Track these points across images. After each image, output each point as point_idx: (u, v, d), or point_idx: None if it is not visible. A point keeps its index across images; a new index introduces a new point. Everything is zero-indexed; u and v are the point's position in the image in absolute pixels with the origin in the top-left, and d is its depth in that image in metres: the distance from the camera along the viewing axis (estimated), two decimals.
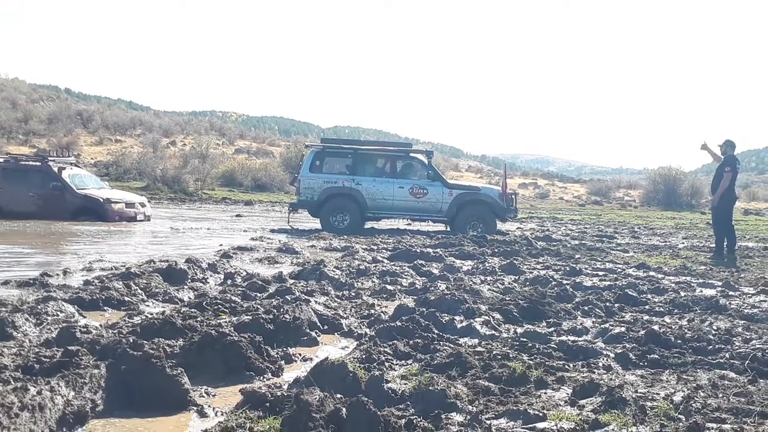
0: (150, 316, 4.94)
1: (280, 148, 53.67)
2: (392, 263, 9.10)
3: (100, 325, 4.66)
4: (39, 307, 4.94)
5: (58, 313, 4.90)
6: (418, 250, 10.31)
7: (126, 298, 5.77)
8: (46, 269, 7.08)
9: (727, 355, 4.26)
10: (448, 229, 16.26)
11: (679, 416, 3.04)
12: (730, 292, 7.15)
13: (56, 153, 17.84)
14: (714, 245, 11.97)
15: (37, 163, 16.79)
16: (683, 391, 3.45)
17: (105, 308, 5.53)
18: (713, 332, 4.94)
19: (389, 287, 7.00)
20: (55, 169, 16.33)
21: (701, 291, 7.23)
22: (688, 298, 6.49)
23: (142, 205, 17.42)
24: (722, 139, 11.49)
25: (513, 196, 16.89)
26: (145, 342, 3.78)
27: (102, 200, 16.27)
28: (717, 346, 4.51)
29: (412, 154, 16.91)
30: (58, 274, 6.86)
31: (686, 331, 4.95)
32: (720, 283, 7.79)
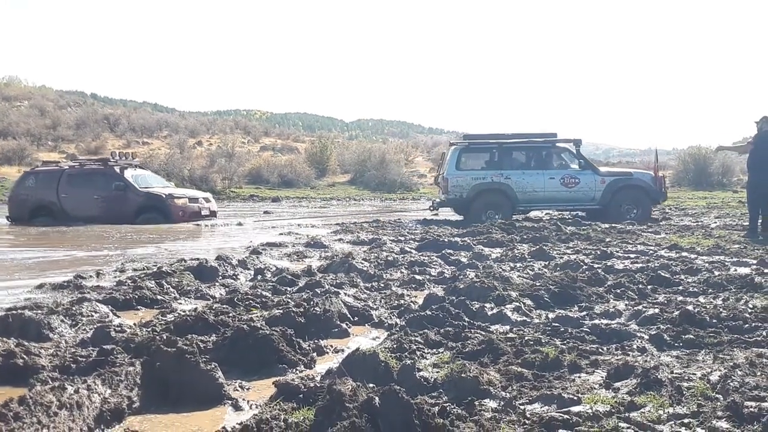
0: (183, 313, 4.98)
1: (304, 144, 53.86)
2: (420, 253, 9.09)
3: (134, 324, 4.73)
4: (74, 308, 5.03)
5: (93, 313, 4.98)
6: (445, 240, 10.27)
7: (159, 297, 5.85)
8: (79, 271, 7.18)
9: (765, 333, 4.18)
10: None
11: (717, 396, 2.99)
12: (766, 270, 7.01)
13: (119, 156, 17.86)
14: (748, 223, 11.78)
15: (101, 166, 17.04)
16: (720, 371, 3.39)
17: (138, 307, 5.61)
18: (749, 310, 4.85)
19: (418, 277, 6.99)
20: (118, 170, 16.52)
21: (736, 270, 7.12)
22: (722, 277, 6.38)
23: (207, 200, 17.34)
24: (759, 116, 11.28)
25: (663, 180, 16.58)
26: (178, 338, 3.82)
27: (164, 196, 16.34)
28: (753, 324, 4.43)
29: (559, 144, 16.41)
30: (91, 276, 6.96)
31: (721, 310, 4.88)
32: (755, 261, 7.65)
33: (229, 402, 3.32)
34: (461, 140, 16.86)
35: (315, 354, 4.18)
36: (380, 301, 5.84)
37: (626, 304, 5.36)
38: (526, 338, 4.17)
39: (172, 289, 6.15)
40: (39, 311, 4.84)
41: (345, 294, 5.84)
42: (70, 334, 4.48)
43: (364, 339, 4.71)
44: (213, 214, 17.08)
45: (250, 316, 4.80)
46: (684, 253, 8.62)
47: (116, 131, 51.71)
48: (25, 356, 3.69)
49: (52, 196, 16.35)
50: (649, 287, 6.03)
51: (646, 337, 4.27)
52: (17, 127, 45.48)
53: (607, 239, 10.60)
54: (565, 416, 2.76)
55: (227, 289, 6.40)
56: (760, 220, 11.25)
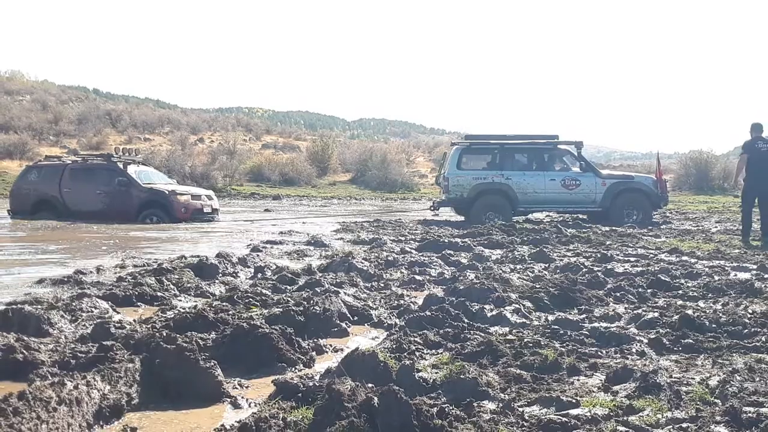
0: (182, 310, 4.99)
1: (306, 142, 53.84)
2: (420, 254, 9.09)
3: (134, 321, 4.73)
4: (74, 304, 5.02)
5: (93, 309, 4.98)
6: (446, 240, 10.28)
7: (159, 294, 5.85)
8: (80, 267, 7.18)
9: (764, 338, 4.18)
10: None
11: (716, 400, 2.99)
12: (766, 275, 7.01)
13: (122, 152, 17.74)
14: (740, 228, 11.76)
15: (103, 162, 16.96)
16: (719, 376, 3.40)
17: (138, 304, 5.60)
18: (749, 316, 4.85)
19: (418, 277, 7.00)
20: (120, 165, 16.48)
21: (735, 275, 7.12)
22: (722, 282, 6.38)
23: (209, 197, 17.19)
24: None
25: (665, 183, 16.59)
26: (178, 336, 3.82)
27: (167, 192, 16.22)
28: (753, 329, 4.43)
29: (560, 146, 16.37)
30: (91, 272, 6.95)
31: (721, 315, 4.87)
32: (755, 267, 7.66)
33: (228, 400, 3.33)
34: (463, 140, 16.85)
35: (314, 353, 4.18)
36: (380, 301, 5.84)
37: (626, 308, 5.37)
38: (526, 340, 4.17)
39: (172, 286, 6.15)
40: (39, 306, 4.84)
41: (345, 293, 5.84)
42: (69, 330, 4.48)
43: (363, 339, 4.72)
44: (215, 211, 16.97)
45: (249, 314, 4.80)
46: (684, 257, 8.63)
47: (118, 127, 51.72)
48: (24, 351, 3.69)
49: (54, 191, 16.32)
50: (648, 291, 6.03)
51: (646, 340, 4.27)
52: (19, 121, 45.52)
53: (608, 242, 10.60)
54: (564, 419, 2.76)
55: (227, 286, 6.40)
56: (759, 226, 11.24)
